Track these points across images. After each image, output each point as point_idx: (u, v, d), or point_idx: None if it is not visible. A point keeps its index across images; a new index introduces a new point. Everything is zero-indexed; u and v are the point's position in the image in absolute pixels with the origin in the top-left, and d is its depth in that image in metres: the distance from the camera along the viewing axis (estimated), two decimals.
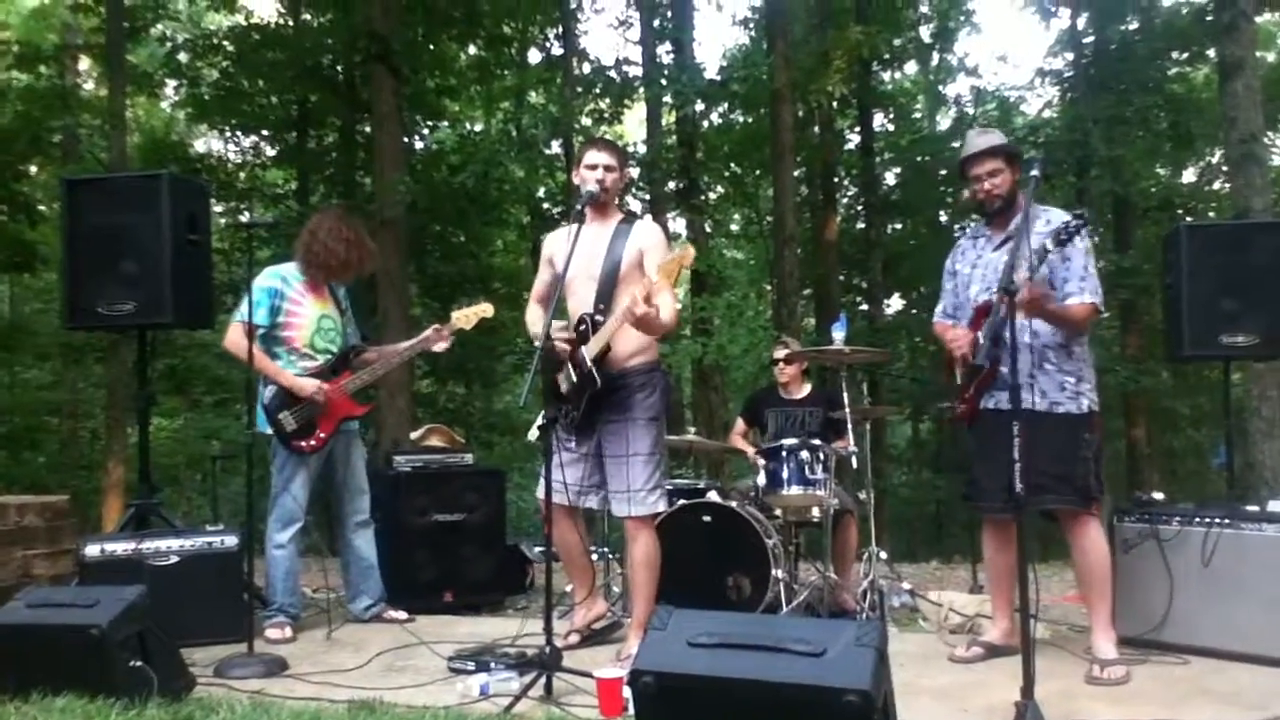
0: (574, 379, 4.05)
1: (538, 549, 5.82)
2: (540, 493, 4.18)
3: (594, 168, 4.15)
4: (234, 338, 4.66)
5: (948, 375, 4.26)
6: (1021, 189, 3.90)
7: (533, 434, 4.46)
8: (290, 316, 4.75)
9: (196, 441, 16.08)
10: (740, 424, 6.02)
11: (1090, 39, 14.78)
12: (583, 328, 4.07)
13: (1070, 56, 15.44)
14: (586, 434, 4.18)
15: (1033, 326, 3.88)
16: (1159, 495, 4.51)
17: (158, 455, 10.63)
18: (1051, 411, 3.89)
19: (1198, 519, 4.18)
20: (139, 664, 3.29)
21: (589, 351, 3.99)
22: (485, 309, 4.97)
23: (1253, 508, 4.25)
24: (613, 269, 4.09)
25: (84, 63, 15.90)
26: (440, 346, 4.93)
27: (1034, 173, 3.74)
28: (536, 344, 3.98)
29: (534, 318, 4.36)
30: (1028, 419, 3.85)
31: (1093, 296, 3.87)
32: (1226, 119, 9.03)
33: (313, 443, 4.71)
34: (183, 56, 14.49)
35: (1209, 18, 11.17)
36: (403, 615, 4.95)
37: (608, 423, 4.12)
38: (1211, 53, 11.55)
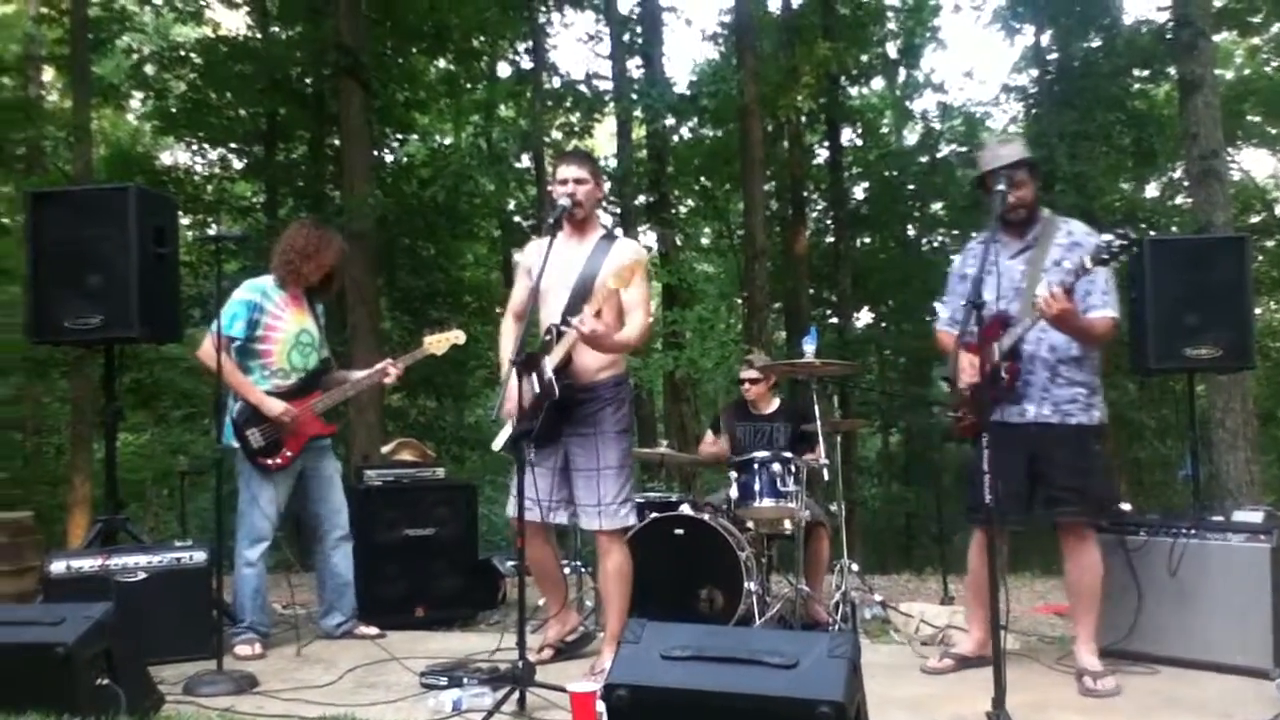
0: (535, 389, 4.03)
1: (510, 563, 5.79)
2: (511, 510, 4.17)
3: (564, 182, 4.13)
4: (208, 348, 4.60)
5: (954, 385, 4.18)
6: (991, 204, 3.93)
7: (498, 443, 4.42)
8: (270, 330, 4.72)
9: (163, 456, 15.88)
10: (709, 435, 6.05)
11: (1054, 56, 14.99)
12: (548, 338, 4.06)
13: (1035, 73, 15.66)
14: (550, 448, 4.13)
15: (1050, 341, 3.90)
16: (1126, 506, 4.57)
17: (124, 470, 10.46)
18: (1064, 423, 3.90)
19: (1164, 529, 4.24)
20: (106, 682, 3.24)
21: (550, 361, 4.00)
22: (457, 336, 4.95)
23: (1218, 518, 4.32)
24: (586, 283, 4.07)
25: (48, 74, 15.72)
26: (389, 380, 4.95)
27: (1000, 187, 3.78)
28: (507, 358, 4.00)
29: (507, 333, 4.34)
30: (1039, 432, 3.89)
31: (1114, 311, 3.90)
32: (1187, 135, 9.20)
33: (278, 461, 4.67)
34: (149, 68, 14.38)
35: (1169, 36, 11.34)
36: (374, 631, 4.91)
37: (576, 436, 4.10)
38: (1172, 70, 11.72)
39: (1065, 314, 3.64)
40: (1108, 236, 3.55)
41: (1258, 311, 13.94)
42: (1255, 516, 4.18)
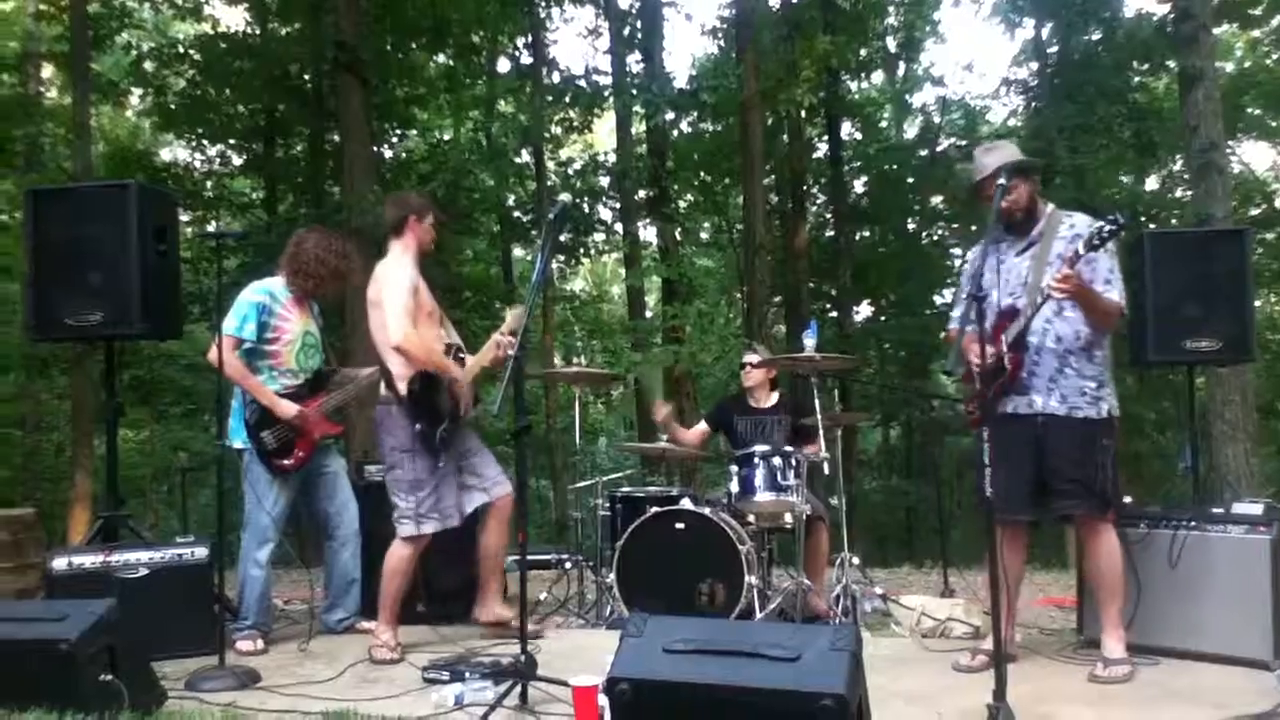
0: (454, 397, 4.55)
1: (511, 558, 5.78)
2: (435, 527, 4.57)
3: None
4: (223, 354, 4.58)
5: (968, 379, 4.13)
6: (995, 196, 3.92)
7: None
8: (278, 332, 4.73)
9: (163, 453, 15.91)
10: (702, 425, 6.03)
11: (1054, 49, 14.98)
12: (461, 355, 4.66)
13: (1035, 66, 15.65)
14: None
15: (1056, 330, 3.90)
16: (1126, 498, 4.57)
17: (124, 467, 10.47)
18: (1070, 416, 3.89)
19: (1164, 521, 4.24)
20: (109, 678, 3.25)
21: (468, 376, 4.63)
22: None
23: (1218, 510, 4.32)
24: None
25: (47, 70, 15.71)
26: None
27: (1001, 181, 3.77)
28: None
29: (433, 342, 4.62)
30: (1046, 423, 3.89)
31: (1119, 296, 3.89)
32: (1188, 128, 9.18)
33: (291, 462, 4.70)
34: (149, 65, 14.38)
35: (1170, 29, 11.33)
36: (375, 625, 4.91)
37: (469, 427, 4.75)
38: (1173, 63, 11.70)
39: (1079, 289, 3.65)
40: (1099, 223, 3.57)
41: (1257, 304, 13.93)
42: (1255, 509, 4.17)
